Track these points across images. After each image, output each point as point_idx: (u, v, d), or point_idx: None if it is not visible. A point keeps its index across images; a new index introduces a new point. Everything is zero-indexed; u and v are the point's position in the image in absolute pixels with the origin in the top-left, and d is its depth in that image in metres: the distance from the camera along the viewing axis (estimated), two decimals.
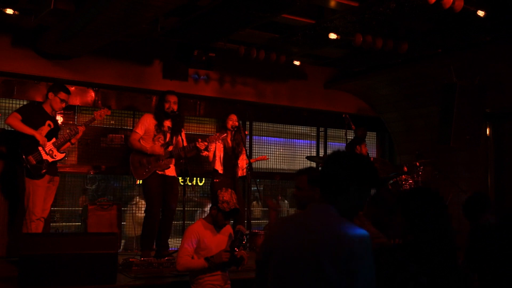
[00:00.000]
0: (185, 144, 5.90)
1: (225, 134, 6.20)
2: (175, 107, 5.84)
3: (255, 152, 8.33)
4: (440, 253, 2.26)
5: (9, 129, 6.15)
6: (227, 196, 4.29)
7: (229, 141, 6.53)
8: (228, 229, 4.45)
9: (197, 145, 5.78)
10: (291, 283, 2.08)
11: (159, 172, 5.77)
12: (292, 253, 2.11)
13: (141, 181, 6.32)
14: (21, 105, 6.34)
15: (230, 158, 6.46)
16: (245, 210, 6.46)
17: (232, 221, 6.38)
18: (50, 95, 5.48)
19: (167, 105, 5.82)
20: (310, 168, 4.08)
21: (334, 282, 1.97)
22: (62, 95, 5.51)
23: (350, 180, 2.12)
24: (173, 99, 5.86)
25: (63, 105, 5.59)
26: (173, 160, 5.91)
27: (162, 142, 5.83)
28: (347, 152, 2.27)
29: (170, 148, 5.84)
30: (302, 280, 2.05)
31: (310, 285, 2.03)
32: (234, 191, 6.34)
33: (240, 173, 6.52)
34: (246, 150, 6.33)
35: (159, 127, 5.83)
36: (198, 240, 4.27)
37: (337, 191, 2.13)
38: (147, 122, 5.85)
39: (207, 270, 4.18)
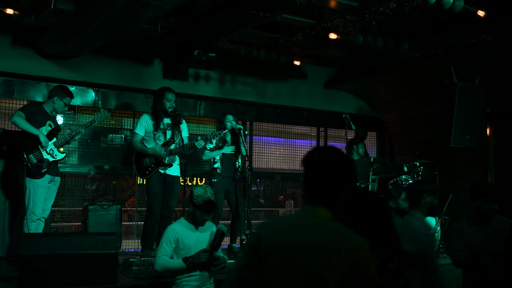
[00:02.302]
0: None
1: (225, 130, 6.20)
2: (174, 105, 5.86)
3: (256, 152, 8.33)
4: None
5: (10, 128, 6.17)
6: (200, 190, 4.27)
7: (228, 142, 6.52)
8: (210, 227, 4.41)
9: (194, 144, 5.78)
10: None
11: (162, 171, 5.79)
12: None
13: (142, 180, 6.34)
14: (21, 105, 6.35)
15: (229, 158, 6.46)
16: (246, 210, 6.45)
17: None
18: (55, 99, 5.53)
19: (168, 104, 5.82)
20: None
21: None
22: (67, 99, 5.61)
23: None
24: (172, 96, 5.87)
25: (66, 108, 5.68)
26: (177, 159, 5.94)
27: (163, 140, 5.85)
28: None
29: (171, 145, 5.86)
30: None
31: None
32: (234, 191, 6.40)
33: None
34: (245, 152, 6.30)
35: (158, 126, 5.84)
36: (176, 239, 4.24)
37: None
38: (146, 123, 5.87)
39: (186, 271, 4.15)
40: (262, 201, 7.11)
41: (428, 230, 3.83)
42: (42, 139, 5.31)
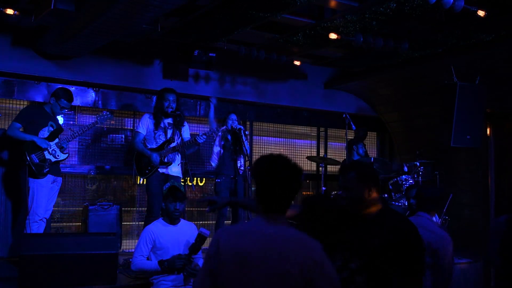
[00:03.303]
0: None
1: (224, 127, 6.24)
2: (173, 105, 5.90)
3: (256, 152, 8.32)
4: None
5: None
6: (167, 184, 4.44)
7: (229, 141, 6.54)
8: (190, 228, 4.42)
9: (195, 139, 5.81)
10: None
11: (161, 171, 5.82)
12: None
13: (142, 180, 6.33)
14: (21, 106, 6.36)
15: (231, 158, 6.47)
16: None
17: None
18: (52, 100, 5.54)
19: (166, 104, 5.87)
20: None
21: None
22: (64, 102, 5.58)
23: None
24: (171, 97, 5.91)
25: (63, 111, 5.69)
26: (178, 159, 5.97)
27: (163, 139, 5.90)
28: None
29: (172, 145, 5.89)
30: None
31: None
32: (235, 190, 6.42)
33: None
34: (245, 152, 6.30)
35: (159, 125, 5.90)
36: (153, 240, 4.27)
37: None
38: (147, 122, 5.97)
39: (161, 273, 4.17)
40: None
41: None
42: (39, 142, 5.30)
